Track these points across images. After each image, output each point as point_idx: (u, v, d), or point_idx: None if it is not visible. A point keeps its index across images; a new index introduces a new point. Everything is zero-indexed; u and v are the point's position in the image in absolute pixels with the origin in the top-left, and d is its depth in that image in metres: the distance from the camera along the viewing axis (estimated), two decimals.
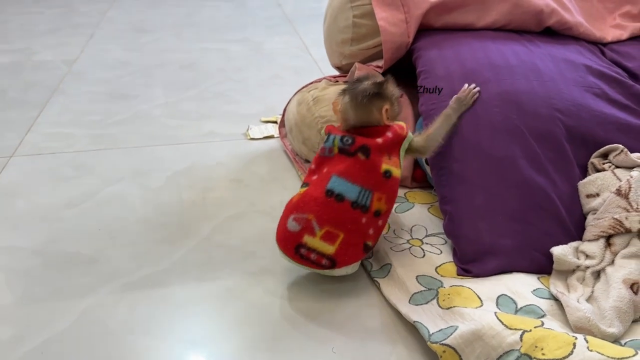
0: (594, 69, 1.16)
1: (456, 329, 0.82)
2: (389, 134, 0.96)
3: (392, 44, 1.21)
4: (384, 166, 0.94)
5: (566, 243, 0.99)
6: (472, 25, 1.23)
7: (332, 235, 0.91)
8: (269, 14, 3.01)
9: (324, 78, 1.38)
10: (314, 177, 0.97)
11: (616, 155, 1.03)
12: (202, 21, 2.84)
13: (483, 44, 1.17)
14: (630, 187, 0.96)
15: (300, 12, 3.03)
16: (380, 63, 1.28)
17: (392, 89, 1.01)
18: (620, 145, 1.03)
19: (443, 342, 0.81)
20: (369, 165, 0.93)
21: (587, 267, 0.94)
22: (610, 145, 1.05)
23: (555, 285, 0.93)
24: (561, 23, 1.24)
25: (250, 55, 2.32)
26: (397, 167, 0.96)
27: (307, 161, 1.37)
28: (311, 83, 1.40)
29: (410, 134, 0.98)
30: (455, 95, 1.05)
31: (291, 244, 0.93)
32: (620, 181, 0.99)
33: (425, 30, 1.23)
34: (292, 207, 0.95)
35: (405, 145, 0.98)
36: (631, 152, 1.04)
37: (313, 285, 0.99)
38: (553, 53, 1.18)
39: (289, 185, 1.32)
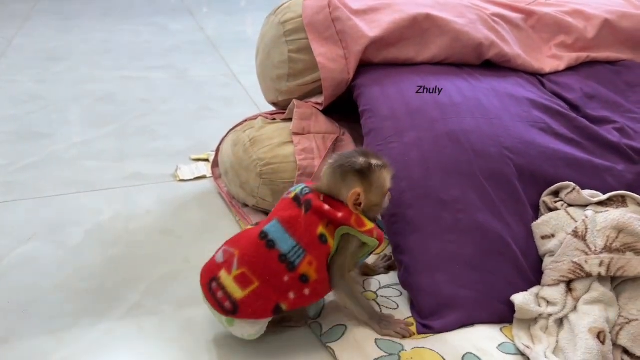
0: (538, 103, 1.14)
1: None
2: (340, 214, 0.84)
3: (332, 81, 1.14)
4: (321, 229, 0.84)
5: (525, 289, 0.95)
6: (411, 60, 1.18)
7: (247, 280, 0.83)
8: (191, 38, 2.88)
9: (260, 115, 1.29)
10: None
11: (568, 194, 1.01)
12: (120, 47, 2.67)
13: (425, 80, 1.13)
14: (586, 228, 0.93)
15: (223, 37, 2.93)
16: (319, 99, 1.21)
17: (382, 178, 0.87)
18: (572, 184, 1.01)
19: None
20: (306, 221, 0.85)
21: (550, 315, 0.90)
22: (561, 183, 1.02)
23: (520, 338, 0.88)
24: (500, 55, 1.22)
25: (175, 84, 2.19)
26: (332, 237, 0.85)
27: (245, 205, 1.27)
28: (246, 120, 1.30)
29: (357, 232, 0.85)
30: (396, 319, 0.91)
31: (208, 274, 0.87)
32: (575, 221, 0.96)
33: (365, 65, 1.17)
34: (230, 240, 0.90)
35: (341, 232, 0.86)
36: (581, 187, 1.01)
37: (263, 351, 0.89)
38: (495, 87, 1.15)
39: (226, 233, 1.18)
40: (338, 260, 0.87)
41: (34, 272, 1.08)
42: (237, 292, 0.83)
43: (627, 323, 0.87)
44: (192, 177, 1.44)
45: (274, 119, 1.25)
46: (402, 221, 0.97)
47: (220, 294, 0.84)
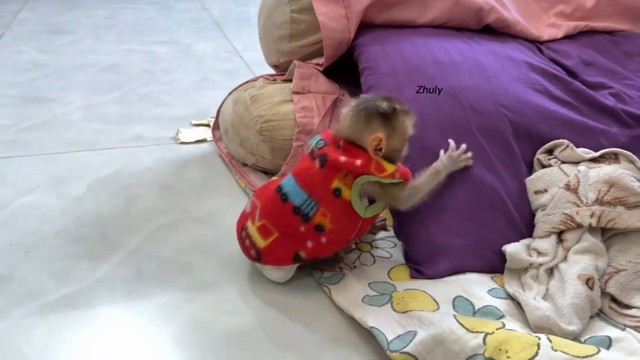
0: (535, 66, 1.16)
1: (415, 335, 0.77)
2: (358, 162, 0.83)
3: (333, 40, 1.16)
4: (336, 183, 0.84)
5: (517, 240, 0.96)
6: (412, 22, 1.20)
7: (267, 231, 0.88)
8: (195, 16, 2.90)
9: (261, 76, 1.31)
10: None
11: (562, 151, 1.03)
12: (124, 23, 2.69)
13: (425, 40, 1.14)
14: (579, 182, 0.95)
15: (227, 16, 2.94)
16: (320, 61, 1.22)
17: (405, 123, 0.85)
18: (566, 141, 1.03)
19: (403, 350, 0.76)
20: (321, 176, 0.84)
21: (540, 265, 0.92)
22: (555, 141, 1.04)
23: (510, 285, 0.91)
24: (500, 21, 1.23)
25: (178, 57, 2.21)
26: (348, 188, 0.84)
27: (245, 164, 1.29)
28: (247, 82, 1.32)
29: (378, 178, 0.83)
30: (448, 153, 0.93)
31: (240, 224, 0.93)
32: (568, 176, 0.98)
33: (366, 26, 1.19)
34: (257, 191, 0.94)
35: (361, 181, 0.84)
36: (576, 147, 1.03)
37: (257, 298, 0.91)
38: (495, 50, 1.17)
39: (226, 191, 1.23)
40: (393, 194, 0.86)
41: (36, 219, 1.10)
42: (260, 242, 0.88)
43: (616, 272, 0.89)
44: (192, 140, 1.46)
45: (275, 80, 1.27)
46: None
47: (247, 242, 0.90)
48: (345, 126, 0.86)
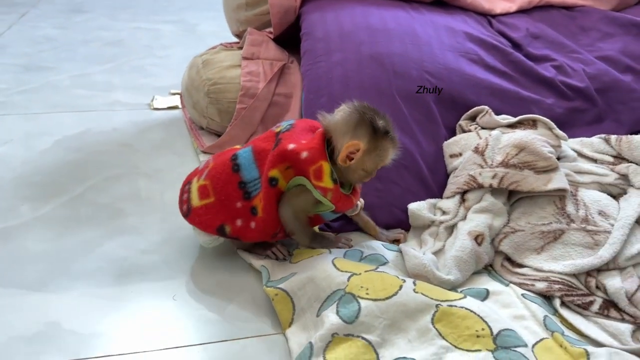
0: (474, 36, 1.17)
1: (294, 275, 0.82)
2: (304, 154, 0.80)
3: (280, 8, 1.21)
4: (274, 172, 0.82)
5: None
6: None
7: (206, 192, 0.86)
8: None
9: (220, 44, 1.38)
10: None
11: (482, 117, 1.04)
12: (142, 4, 2.82)
13: (366, 9, 1.18)
14: (487, 145, 0.97)
15: None
16: None
17: (387, 150, 0.82)
18: (486, 107, 1.04)
19: (277, 286, 0.81)
20: (269, 159, 0.82)
21: (441, 222, 0.95)
22: (477, 107, 1.06)
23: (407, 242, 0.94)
24: None
25: (181, 35, 2.30)
26: (285, 182, 0.83)
27: (202, 128, 1.36)
28: (209, 49, 1.39)
29: (310, 186, 0.81)
30: (334, 237, 0.92)
31: (188, 177, 0.92)
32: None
33: None
34: (218, 152, 0.93)
35: (296, 181, 0.83)
36: (506, 115, 1.05)
37: (175, 243, 0.97)
38: (435, 20, 1.19)
39: (180, 151, 1.31)
40: (294, 196, 0.84)
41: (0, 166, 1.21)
42: (195, 200, 0.87)
43: (512, 232, 0.91)
44: (165, 107, 1.55)
45: (232, 47, 1.33)
46: None
47: (185, 197, 0.89)
48: (335, 119, 0.83)
